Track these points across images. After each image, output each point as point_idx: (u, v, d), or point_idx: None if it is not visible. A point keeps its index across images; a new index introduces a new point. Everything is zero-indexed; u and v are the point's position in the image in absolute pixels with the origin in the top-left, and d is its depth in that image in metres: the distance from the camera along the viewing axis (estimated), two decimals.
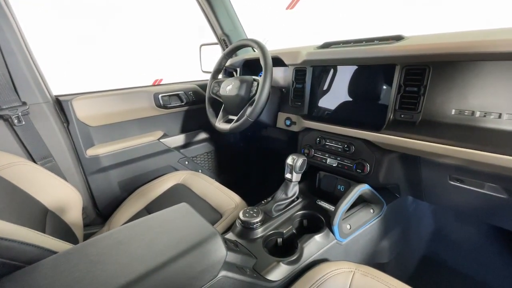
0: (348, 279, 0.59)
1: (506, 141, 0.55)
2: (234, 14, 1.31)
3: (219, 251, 0.47)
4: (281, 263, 0.63)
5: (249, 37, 1.35)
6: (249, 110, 0.96)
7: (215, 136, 1.50)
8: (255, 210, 0.77)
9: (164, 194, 1.13)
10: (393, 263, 0.93)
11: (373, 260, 0.88)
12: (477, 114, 0.58)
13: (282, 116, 1.06)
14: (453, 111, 0.61)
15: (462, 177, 0.68)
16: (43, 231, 0.72)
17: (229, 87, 1.05)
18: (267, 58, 0.93)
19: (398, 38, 0.72)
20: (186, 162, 1.41)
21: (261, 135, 1.42)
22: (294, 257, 0.65)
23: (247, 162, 1.71)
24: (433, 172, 0.74)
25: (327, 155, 0.91)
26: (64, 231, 0.83)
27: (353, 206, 0.84)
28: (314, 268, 0.63)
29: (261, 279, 0.58)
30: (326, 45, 0.89)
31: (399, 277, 0.92)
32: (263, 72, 0.93)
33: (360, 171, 0.81)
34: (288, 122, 1.03)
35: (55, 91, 1.01)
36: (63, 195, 0.89)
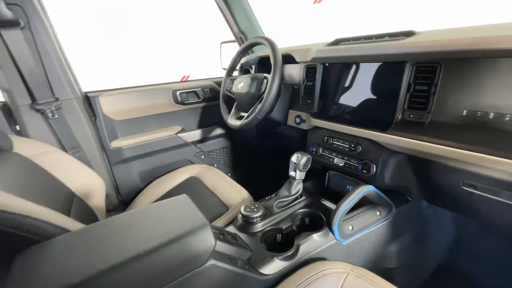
0: (341, 280, 0.59)
1: None
2: (251, 12, 1.32)
3: (207, 240, 0.50)
4: (275, 258, 0.65)
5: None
6: (258, 107, 0.97)
7: (231, 132, 1.53)
8: (256, 205, 0.79)
9: (178, 186, 1.20)
10: (402, 269, 0.90)
11: (379, 264, 0.86)
12: (491, 115, 0.54)
13: (292, 114, 1.06)
14: (464, 112, 0.57)
15: (475, 182, 0.63)
16: (68, 213, 0.82)
17: (240, 85, 1.07)
18: (276, 55, 0.93)
19: (409, 33, 0.68)
20: (202, 156, 1.47)
21: (276, 132, 1.43)
22: (289, 253, 0.66)
23: (262, 158, 1.73)
24: (445, 176, 0.70)
25: (334, 154, 0.89)
26: (87, 215, 0.92)
27: (358, 207, 0.82)
28: (308, 265, 0.64)
29: (253, 271, 0.60)
30: (336, 42, 0.87)
31: (408, 284, 0.89)
32: (272, 69, 0.93)
33: (366, 172, 0.78)
34: (298, 120, 1.02)
35: (85, 88, 1.12)
36: (89, 182, 0.98)
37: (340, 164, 0.87)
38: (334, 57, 0.85)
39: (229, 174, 1.63)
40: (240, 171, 1.64)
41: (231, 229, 0.77)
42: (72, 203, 0.87)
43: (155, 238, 0.46)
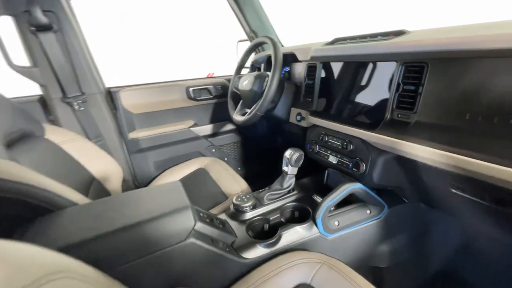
0: (314, 270, 0.62)
1: (504, 148, 0.49)
2: (262, 11, 1.36)
3: (187, 220, 0.56)
4: (257, 245, 0.69)
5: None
6: (259, 104, 1.02)
7: (241, 128, 1.59)
8: (247, 196, 0.84)
9: (187, 176, 1.29)
10: (394, 270, 0.89)
11: (368, 262, 0.86)
12: (474, 116, 0.53)
13: (294, 111, 1.09)
14: (448, 113, 0.57)
15: (462, 185, 0.62)
16: (87, 193, 0.93)
17: (245, 82, 1.12)
18: (277, 54, 0.97)
19: (399, 33, 0.68)
20: (213, 150, 1.55)
21: (283, 129, 1.46)
22: (271, 241, 0.70)
23: (270, 154, 1.77)
24: (433, 178, 0.68)
25: (329, 152, 0.91)
26: (103, 196, 1.04)
27: (348, 204, 0.84)
28: (286, 254, 0.68)
29: (234, 254, 0.65)
30: (334, 41, 0.88)
31: (401, 285, 0.89)
32: (272, 67, 0.97)
33: (355, 170, 0.80)
34: (298, 118, 1.05)
35: (107, 84, 1.25)
36: (108, 168, 1.11)
37: (334, 162, 0.89)
38: (330, 56, 0.87)
39: (239, 168, 1.70)
40: (250, 165, 1.70)
41: (222, 216, 0.83)
42: (91, 185, 0.99)
43: (141, 215, 0.54)
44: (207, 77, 1.53)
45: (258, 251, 0.69)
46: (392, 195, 0.87)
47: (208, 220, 0.67)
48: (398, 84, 0.66)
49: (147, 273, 0.52)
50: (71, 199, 0.63)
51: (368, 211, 0.82)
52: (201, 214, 0.67)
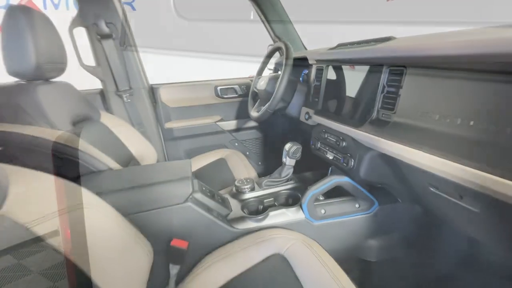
0: (287, 244, 0.72)
1: (468, 149, 0.53)
2: (286, 17, 1.47)
3: (185, 187, 0.72)
4: (247, 219, 0.82)
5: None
6: (269, 102, 1.13)
7: (264, 125, 1.72)
8: (248, 180, 0.97)
9: (209, 164, 1.47)
10: (384, 266, 0.92)
11: (355, 254, 0.91)
12: (436, 117, 0.57)
13: (304, 110, 1.18)
14: (419, 113, 0.62)
15: (437, 184, 0.65)
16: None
17: (262, 83, 1.25)
18: (287, 58, 1.07)
19: (387, 39, 0.73)
20: (236, 144, 1.71)
21: (299, 128, 1.55)
22: (258, 217, 0.82)
23: None
24: (413, 175, 0.72)
25: (327, 149, 0.98)
26: None
27: (337, 196, 0.90)
28: (270, 229, 0.78)
29: (225, 223, 0.79)
30: (336, 46, 0.95)
31: (390, 282, 0.93)
32: (282, 69, 1.08)
33: (345, 164, 0.86)
34: (306, 116, 1.14)
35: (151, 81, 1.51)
36: (145, 151, 1.34)
37: (331, 158, 0.96)
38: (331, 59, 0.94)
39: (259, 163, 1.83)
40: (269, 160, 1.81)
41: (226, 195, 0.97)
42: (130, 162, 1.23)
43: (153, 178, 0.71)
44: (233, 78, 1.70)
45: (246, 224, 0.81)
46: (385, 194, 0.90)
47: (209, 194, 0.82)
48: (383, 86, 0.72)
49: (152, 223, 0.69)
50: (108, 165, 0.84)
51: (357, 205, 0.88)
52: (204, 188, 0.82)
